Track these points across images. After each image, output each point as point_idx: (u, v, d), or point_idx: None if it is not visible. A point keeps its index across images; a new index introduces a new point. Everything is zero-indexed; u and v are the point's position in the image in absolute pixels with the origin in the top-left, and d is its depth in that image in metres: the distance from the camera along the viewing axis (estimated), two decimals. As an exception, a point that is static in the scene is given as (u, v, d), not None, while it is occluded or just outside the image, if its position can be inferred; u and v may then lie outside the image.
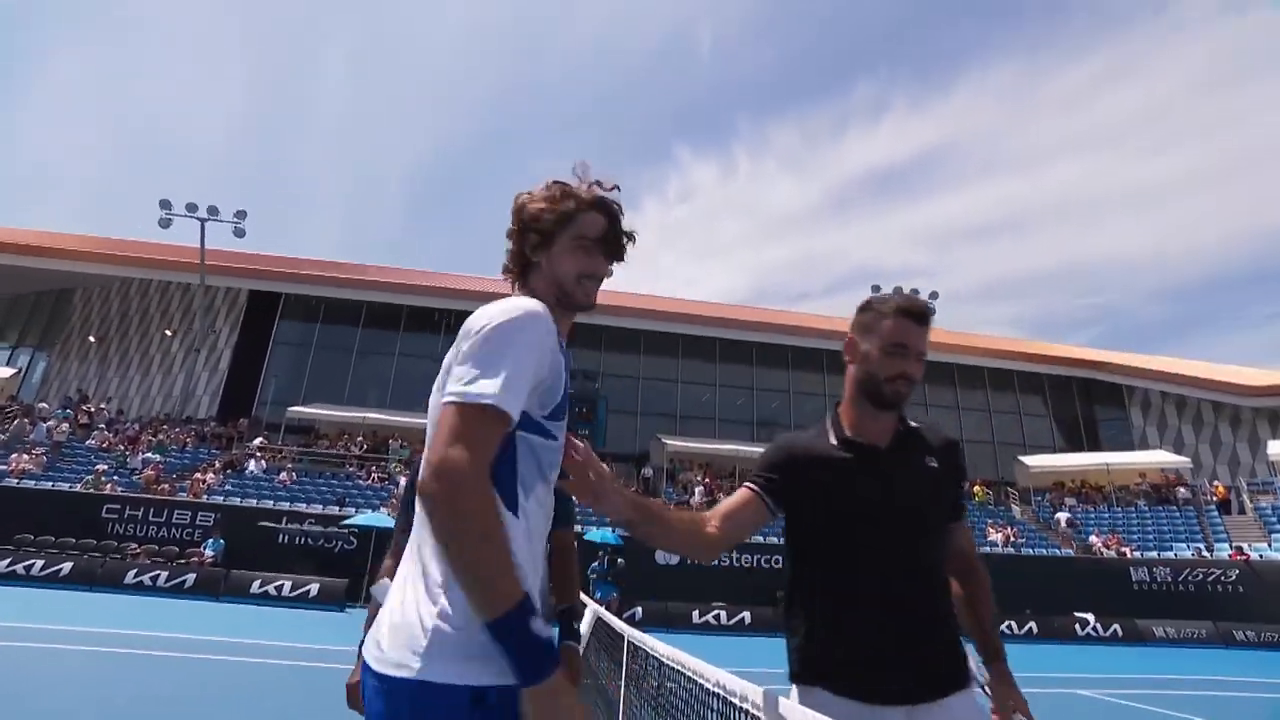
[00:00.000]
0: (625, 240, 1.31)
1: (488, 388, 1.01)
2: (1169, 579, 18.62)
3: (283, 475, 18.86)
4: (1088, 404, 32.53)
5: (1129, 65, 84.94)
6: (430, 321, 27.73)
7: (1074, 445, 31.19)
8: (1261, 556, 19.04)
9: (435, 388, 1.12)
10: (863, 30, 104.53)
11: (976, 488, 25.27)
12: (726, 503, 1.57)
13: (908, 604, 1.45)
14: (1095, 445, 30.91)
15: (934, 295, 27.22)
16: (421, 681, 0.96)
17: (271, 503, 17.04)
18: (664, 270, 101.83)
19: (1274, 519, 20.89)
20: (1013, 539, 20.48)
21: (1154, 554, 19.88)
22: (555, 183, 1.29)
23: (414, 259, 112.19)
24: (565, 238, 1.25)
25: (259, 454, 20.30)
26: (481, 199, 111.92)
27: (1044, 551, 20.03)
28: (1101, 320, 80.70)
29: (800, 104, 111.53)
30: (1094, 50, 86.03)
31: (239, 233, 23.69)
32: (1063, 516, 22.76)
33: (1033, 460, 27.36)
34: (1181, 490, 23.82)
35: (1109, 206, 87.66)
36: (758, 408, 30.45)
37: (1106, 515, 22.98)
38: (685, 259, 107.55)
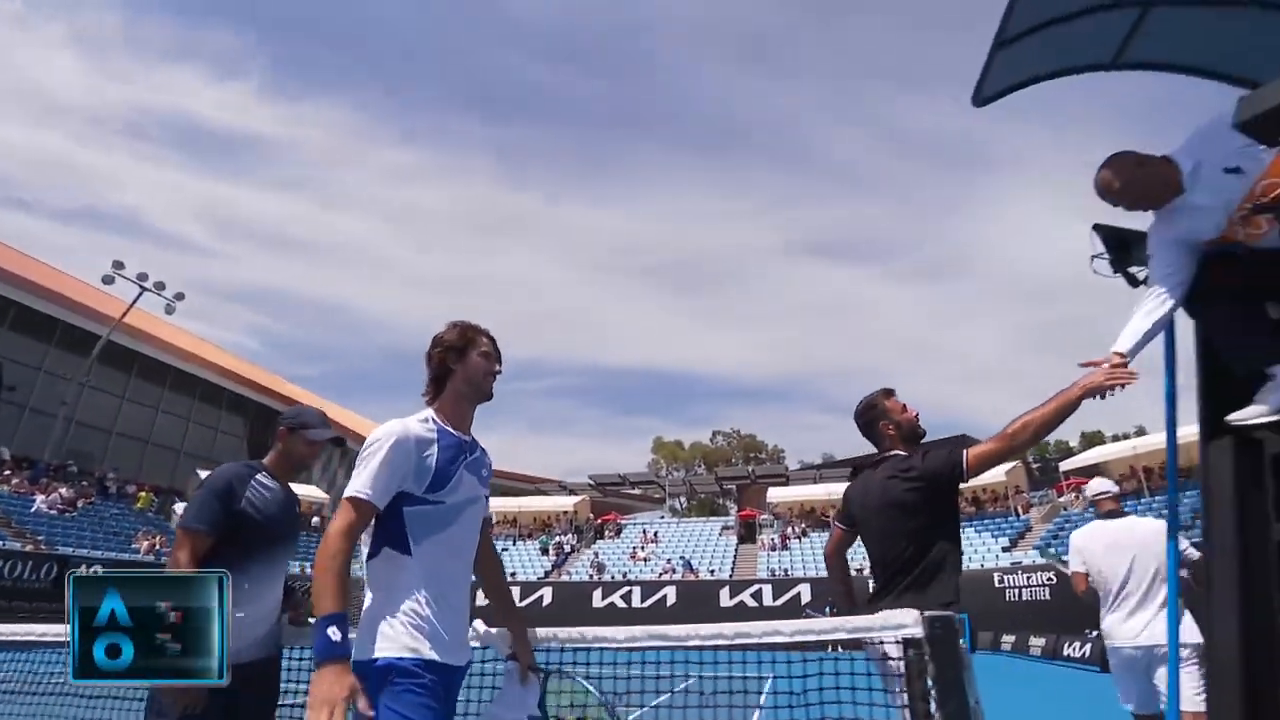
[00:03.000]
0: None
1: (351, 485, 1.68)
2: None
3: None
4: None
5: (443, 175, 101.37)
6: None
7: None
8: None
9: None
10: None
11: (142, 493, 25.53)
12: None
13: None
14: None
15: (179, 296, 25.60)
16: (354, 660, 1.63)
17: None
18: None
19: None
20: (159, 546, 21.74)
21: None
22: (453, 323, 1.95)
23: None
24: (472, 351, 1.90)
25: None
26: None
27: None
28: (332, 359, 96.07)
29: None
30: (414, 147, 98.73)
31: None
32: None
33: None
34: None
35: (383, 271, 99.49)
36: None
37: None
38: None
